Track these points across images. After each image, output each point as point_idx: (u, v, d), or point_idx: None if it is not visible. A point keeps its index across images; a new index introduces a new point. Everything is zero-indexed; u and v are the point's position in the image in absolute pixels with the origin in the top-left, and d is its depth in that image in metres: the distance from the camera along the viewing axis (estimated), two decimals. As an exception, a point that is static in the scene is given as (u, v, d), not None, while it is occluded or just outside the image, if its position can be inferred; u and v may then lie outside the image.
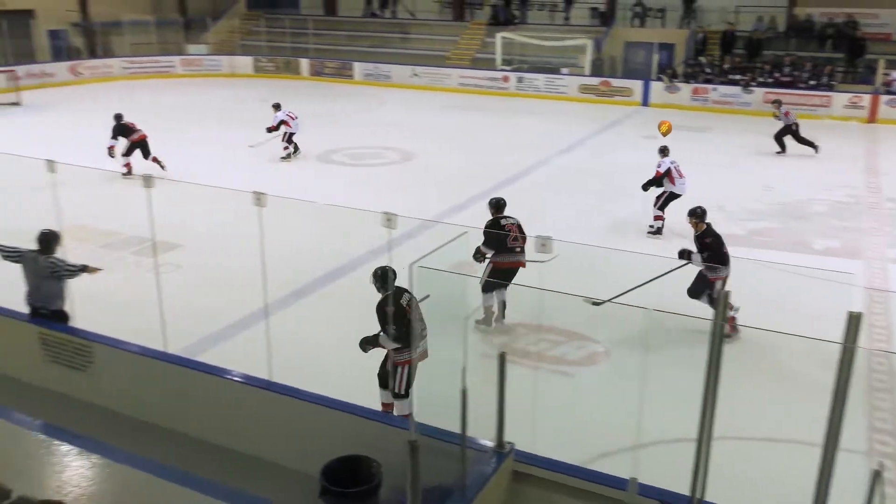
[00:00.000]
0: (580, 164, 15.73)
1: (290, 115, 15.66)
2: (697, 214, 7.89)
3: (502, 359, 4.26)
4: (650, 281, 7.26)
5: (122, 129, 13.76)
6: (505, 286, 7.74)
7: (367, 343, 5.89)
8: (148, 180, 6.25)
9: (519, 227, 7.85)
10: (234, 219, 11.31)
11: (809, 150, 16.35)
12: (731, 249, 8.01)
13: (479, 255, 7.76)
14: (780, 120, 16.56)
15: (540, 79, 25.16)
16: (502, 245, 7.69)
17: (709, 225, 7.89)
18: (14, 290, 6.64)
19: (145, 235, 9.77)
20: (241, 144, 16.37)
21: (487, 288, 7.79)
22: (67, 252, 6.82)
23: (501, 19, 28.77)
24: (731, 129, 19.73)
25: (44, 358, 6.39)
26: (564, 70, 25.50)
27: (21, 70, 24.27)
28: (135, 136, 13.76)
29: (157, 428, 5.58)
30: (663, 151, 11.09)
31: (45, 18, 27.49)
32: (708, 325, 3.43)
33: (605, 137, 18.69)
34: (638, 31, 26.85)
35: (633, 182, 12.02)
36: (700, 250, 7.69)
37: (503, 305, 7.91)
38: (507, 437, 4.37)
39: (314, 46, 30.09)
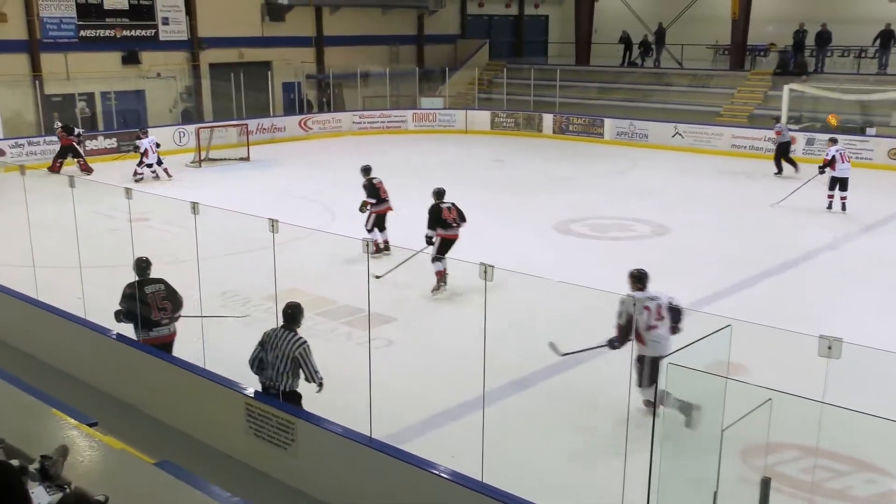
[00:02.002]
0: (884, 250, 14.79)
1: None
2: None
3: (765, 485, 4.02)
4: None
5: (373, 190, 13.84)
6: (443, 257, 11.47)
7: None
8: (366, 245, 6.63)
9: (457, 209, 12.21)
10: (457, 292, 11.55)
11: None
12: None
13: (428, 239, 11.97)
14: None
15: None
16: (444, 223, 11.96)
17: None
18: (222, 354, 7.23)
19: (360, 306, 10.28)
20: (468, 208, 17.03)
21: (436, 259, 11.70)
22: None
23: (790, 68, 28.01)
24: None
25: (247, 430, 6.83)
26: (871, 130, 24.08)
27: (252, 124, 27.22)
28: (382, 207, 13.87)
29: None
30: (832, 141, 17.57)
31: (282, 70, 30.73)
32: None
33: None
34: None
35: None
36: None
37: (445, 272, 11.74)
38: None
39: (560, 100, 31.00)
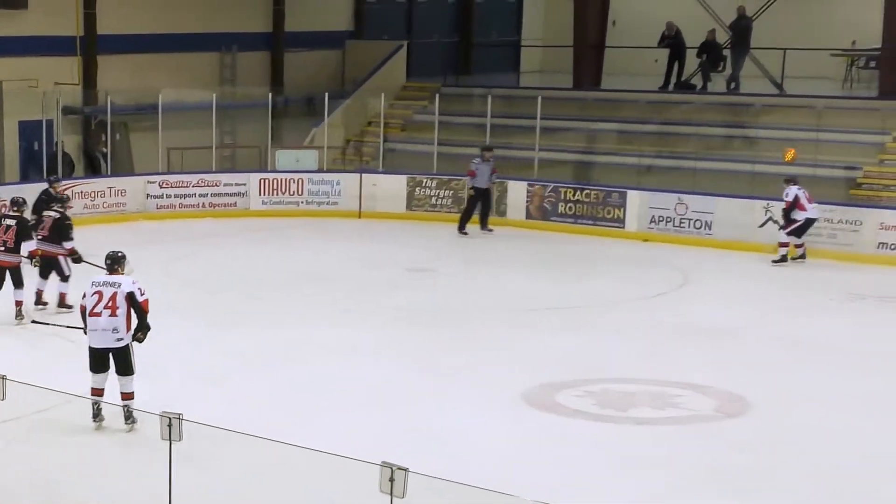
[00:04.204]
0: None
1: None
2: None
3: None
4: None
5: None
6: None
7: None
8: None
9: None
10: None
11: None
12: None
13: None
14: None
15: None
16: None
17: None
18: None
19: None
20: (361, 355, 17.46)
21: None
22: None
23: None
24: None
25: None
26: None
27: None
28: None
29: None
30: (790, 181, 25.08)
31: (18, 99, 30.37)
32: None
33: None
34: None
35: None
36: None
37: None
38: None
39: (544, 155, 31.35)
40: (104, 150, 32.23)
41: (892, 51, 30.31)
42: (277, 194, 30.98)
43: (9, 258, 19.42)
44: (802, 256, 25.29)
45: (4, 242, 19.50)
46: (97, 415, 14.22)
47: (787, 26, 34.17)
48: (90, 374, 14.44)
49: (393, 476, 7.99)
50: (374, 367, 17.55)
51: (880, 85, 31.05)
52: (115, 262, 14.78)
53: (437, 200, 30.61)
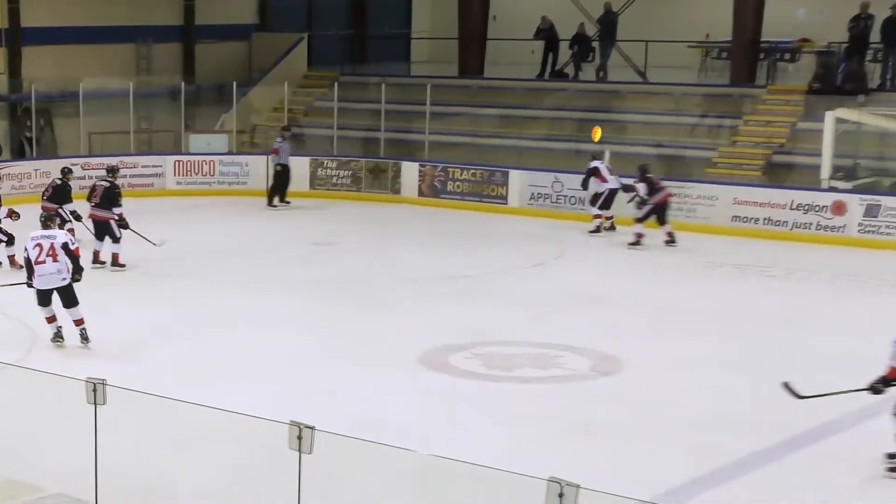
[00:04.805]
0: None
1: None
2: None
3: None
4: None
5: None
6: None
7: None
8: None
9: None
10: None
11: None
12: None
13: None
14: None
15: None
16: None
17: None
18: None
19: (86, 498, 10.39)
20: (268, 326, 17.22)
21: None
22: None
23: (839, 82, 29.06)
24: None
25: None
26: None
27: None
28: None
29: None
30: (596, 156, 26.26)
31: None
32: None
33: None
34: None
35: None
36: None
37: None
38: None
39: (434, 138, 31.66)
40: (29, 134, 31.89)
41: (742, 43, 30.70)
42: (191, 175, 30.94)
43: (100, 213, 21.39)
44: (612, 227, 25.98)
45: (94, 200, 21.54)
46: (58, 336, 16.53)
47: (649, 21, 34.50)
48: (40, 308, 16.42)
49: (301, 434, 8.12)
50: (285, 334, 17.57)
51: (731, 73, 31.54)
52: (48, 220, 17.25)
53: (337, 180, 30.71)
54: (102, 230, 21.48)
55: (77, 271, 16.27)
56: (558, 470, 7.71)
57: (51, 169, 29.17)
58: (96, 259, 21.46)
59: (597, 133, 27.96)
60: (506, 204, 28.55)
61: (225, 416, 10.18)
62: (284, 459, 8.36)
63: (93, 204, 21.54)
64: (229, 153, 31.78)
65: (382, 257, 23.94)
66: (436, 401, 15.00)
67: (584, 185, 26.12)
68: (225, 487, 11.73)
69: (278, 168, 28.53)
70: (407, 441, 11.25)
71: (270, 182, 28.96)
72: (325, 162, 31.03)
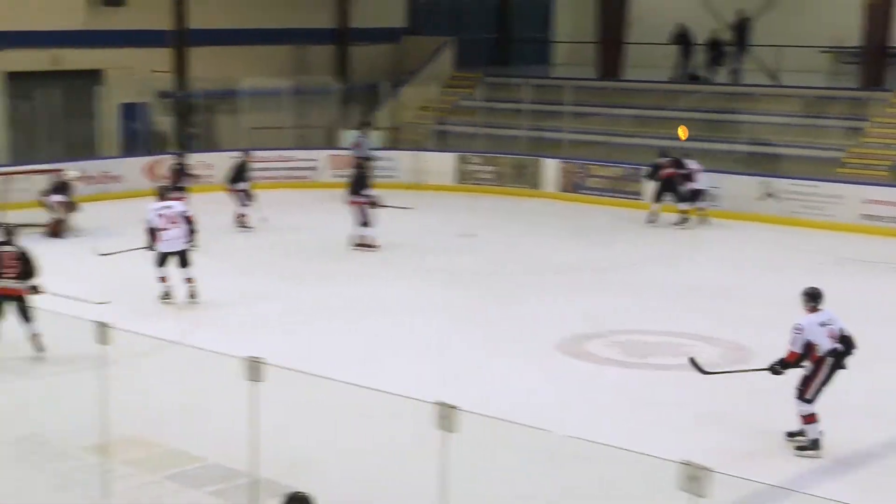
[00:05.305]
0: None
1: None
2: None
3: None
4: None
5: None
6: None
7: None
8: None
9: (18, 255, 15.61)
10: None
11: None
12: None
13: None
14: None
15: None
16: None
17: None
18: None
19: (238, 467, 10.74)
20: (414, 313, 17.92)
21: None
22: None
23: None
24: None
25: None
26: None
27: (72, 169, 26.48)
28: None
29: None
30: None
31: (119, 84, 30.84)
32: None
33: None
34: None
35: None
36: None
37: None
38: None
39: (573, 136, 31.30)
40: (192, 129, 32.43)
41: (871, 48, 30.12)
42: (345, 169, 30.75)
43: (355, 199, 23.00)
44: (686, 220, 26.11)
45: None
46: (168, 294, 18.28)
47: (782, 26, 33.76)
48: (157, 269, 18.19)
49: (445, 414, 8.10)
50: (428, 320, 17.72)
51: (860, 78, 30.78)
52: (164, 192, 19.29)
53: (482, 175, 30.70)
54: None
55: (193, 236, 18.21)
56: (689, 454, 7.64)
57: (213, 161, 29.69)
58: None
59: (683, 132, 28.00)
60: (642, 199, 28.09)
61: (374, 396, 10.21)
62: (429, 438, 8.26)
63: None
64: (381, 149, 31.63)
65: (522, 249, 23.87)
66: (573, 385, 15.09)
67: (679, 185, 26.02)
68: (373, 463, 11.84)
69: (359, 162, 27.17)
70: (545, 422, 11.40)
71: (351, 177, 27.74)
72: (471, 158, 30.94)
